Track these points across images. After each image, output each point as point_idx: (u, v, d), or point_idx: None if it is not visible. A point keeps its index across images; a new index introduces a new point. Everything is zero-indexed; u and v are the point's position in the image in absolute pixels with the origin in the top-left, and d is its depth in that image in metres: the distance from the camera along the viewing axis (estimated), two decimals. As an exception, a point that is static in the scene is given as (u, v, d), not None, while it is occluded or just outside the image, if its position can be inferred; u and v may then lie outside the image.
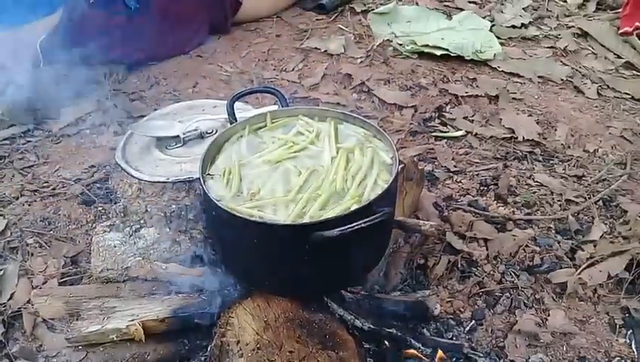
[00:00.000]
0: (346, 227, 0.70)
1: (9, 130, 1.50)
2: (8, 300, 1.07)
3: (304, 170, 0.85)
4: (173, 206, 1.06)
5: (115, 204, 1.19)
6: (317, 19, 2.03)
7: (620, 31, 1.92)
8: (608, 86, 1.73)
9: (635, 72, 1.80)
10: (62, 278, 1.12)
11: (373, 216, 0.71)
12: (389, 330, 0.89)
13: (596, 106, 1.66)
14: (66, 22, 1.55)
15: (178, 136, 1.11)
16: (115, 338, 0.90)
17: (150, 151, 1.11)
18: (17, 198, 1.30)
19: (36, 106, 1.53)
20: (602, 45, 1.92)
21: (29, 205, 1.28)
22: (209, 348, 0.82)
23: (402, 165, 1.09)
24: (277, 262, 0.80)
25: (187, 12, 1.79)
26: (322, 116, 0.96)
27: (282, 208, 0.79)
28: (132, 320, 0.88)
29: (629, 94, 1.70)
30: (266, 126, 0.96)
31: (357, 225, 0.70)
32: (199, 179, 0.82)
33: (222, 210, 0.77)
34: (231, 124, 0.96)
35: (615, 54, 1.87)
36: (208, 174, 0.86)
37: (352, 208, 0.76)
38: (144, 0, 1.65)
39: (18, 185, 1.33)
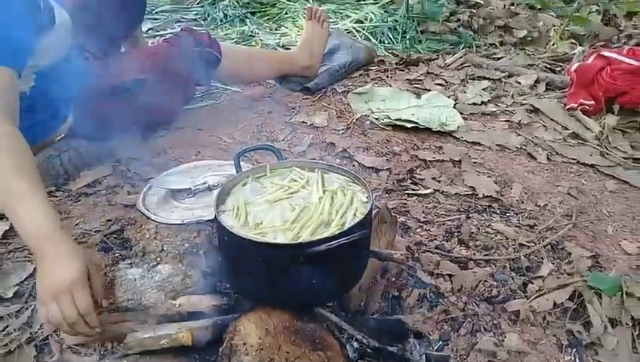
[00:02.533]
0: (332, 243, 0.91)
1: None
2: (38, 329, 1.23)
3: (297, 206, 1.06)
4: (186, 245, 1.26)
5: (130, 249, 1.38)
6: (304, 99, 2.29)
7: (567, 107, 2.22)
8: (557, 152, 1.99)
9: (580, 140, 2.07)
10: (85, 313, 1.28)
11: (352, 236, 0.93)
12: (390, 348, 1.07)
13: (546, 169, 1.91)
14: (79, 121, 1.72)
15: (190, 188, 1.34)
16: (165, 344, 1.05)
17: (166, 201, 1.33)
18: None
19: (58, 172, 1.73)
20: (551, 119, 2.19)
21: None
22: (220, 350, 1.00)
23: (378, 209, 1.31)
24: (277, 277, 0.99)
25: (177, 79, 1.95)
26: (311, 167, 1.19)
27: (281, 234, 1.00)
28: (180, 329, 1.05)
29: (575, 159, 1.95)
30: (265, 175, 1.18)
31: (340, 242, 0.91)
32: (214, 213, 1.03)
33: (233, 236, 0.97)
34: (237, 173, 1.18)
35: (563, 126, 2.14)
36: (221, 210, 1.07)
37: (337, 232, 0.97)
38: (141, 81, 1.82)
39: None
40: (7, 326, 1.22)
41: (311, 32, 2.45)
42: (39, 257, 1.09)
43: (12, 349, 1.17)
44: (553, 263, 1.45)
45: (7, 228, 1.50)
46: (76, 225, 1.56)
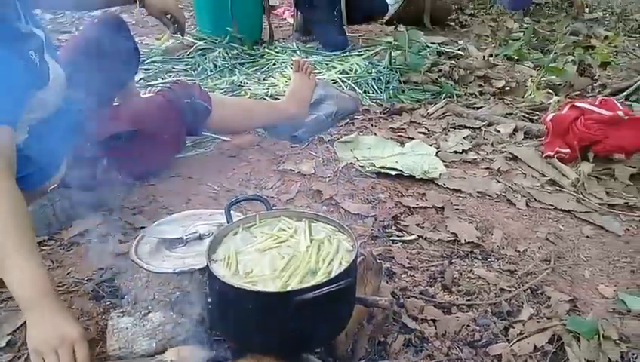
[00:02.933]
0: (319, 291, 0.96)
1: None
2: (30, 379, 1.25)
3: (286, 255, 1.11)
4: (178, 293, 1.29)
5: (122, 298, 1.41)
6: (291, 147, 2.36)
7: (544, 155, 2.31)
8: (535, 199, 2.07)
9: (557, 187, 2.14)
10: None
11: (339, 283, 0.98)
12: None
13: (525, 216, 1.98)
14: (72, 171, 1.77)
15: (181, 237, 1.37)
16: None
17: (158, 250, 1.36)
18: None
19: (50, 222, 1.77)
20: (530, 166, 2.28)
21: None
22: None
23: (363, 257, 1.36)
24: (267, 324, 1.03)
25: (169, 130, 2.01)
26: (299, 217, 1.24)
27: (270, 283, 1.04)
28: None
29: (552, 205, 2.03)
30: (255, 224, 1.24)
31: (327, 290, 0.96)
32: (206, 262, 1.07)
33: (225, 284, 1.02)
34: (228, 223, 1.23)
35: (540, 173, 2.23)
36: (213, 260, 1.12)
37: (323, 280, 1.02)
38: (134, 133, 1.88)
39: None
40: (0, 376, 1.24)
41: (298, 82, 2.54)
42: (33, 311, 1.15)
43: (4, 399, 1.18)
44: (533, 307, 1.50)
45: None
46: (68, 273, 1.59)
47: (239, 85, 3.03)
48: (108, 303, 1.47)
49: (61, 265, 1.63)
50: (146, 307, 1.31)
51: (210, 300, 1.11)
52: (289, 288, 1.02)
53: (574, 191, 2.10)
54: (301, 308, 0.99)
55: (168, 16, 2.09)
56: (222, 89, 2.98)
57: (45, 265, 1.38)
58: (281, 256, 1.11)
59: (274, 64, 3.35)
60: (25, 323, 1.36)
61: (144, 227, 1.69)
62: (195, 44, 3.53)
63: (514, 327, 1.43)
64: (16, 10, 1.49)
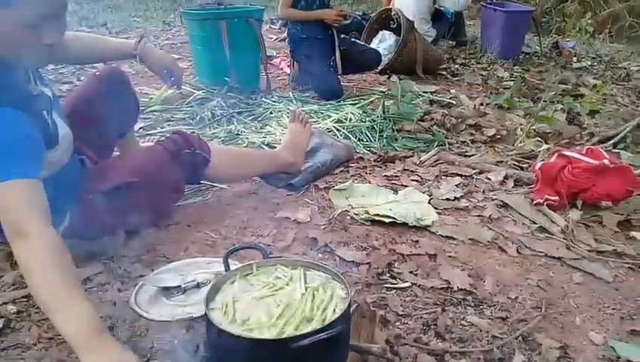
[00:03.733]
0: (314, 338, 1.00)
1: (26, 289, 1.74)
2: None
3: (282, 303, 1.15)
4: (176, 341, 1.33)
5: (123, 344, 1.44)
6: (287, 195, 2.41)
7: (534, 202, 2.37)
8: (526, 246, 2.11)
9: (547, 234, 2.19)
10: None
11: (332, 330, 1.01)
12: None
13: (517, 262, 2.02)
14: (74, 221, 1.81)
15: (180, 286, 1.42)
16: None
17: (157, 298, 1.40)
18: (35, 345, 1.50)
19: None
20: (520, 214, 2.33)
21: (46, 350, 1.48)
22: None
23: (357, 304, 1.40)
24: (263, 371, 1.07)
25: (169, 180, 2.06)
26: (294, 265, 1.29)
27: (266, 330, 1.08)
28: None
29: (542, 252, 2.07)
30: (252, 273, 1.28)
31: (321, 336, 1.00)
32: (204, 310, 1.11)
33: (222, 332, 1.05)
34: (225, 271, 1.27)
35: (531, 220, 2.28)
36: (210, 308, 1.15)
37: (318, 327, 1.06)
38: (134, 183, 1.91)
39: (35, 334, 1.54)
40: None
41: (294, 132, 2.62)
42: (92, 351, 1.22)
43: None
44: (524, 354, 1.53)
45: (1, 325, 1.55)
46: (67, 321, 1.62)
47: (236, 134, 3.10)
48: (106, 351, 1.49)
49: (60, 313, 1.64)
50: (145, 355, 1.33)
51: (208, 348, 1.14)
52: (284, 335, 1.06)
53: (564, 238, 2.14)
54: (297, 355, 1.02)
55: (165, 70, 2.18)
56: (219, 138, 3.05)
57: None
58: (277, 303, 1.15)
59: (270, 113, 3.44)
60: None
61: (143, 275, 1.72)
62: (194, 93, 3.63)
63: (506, 374, 1.45)
64: (26, 72, 1.57)
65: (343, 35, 4.23)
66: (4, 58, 1.46)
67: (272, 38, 6.16)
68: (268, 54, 4.53)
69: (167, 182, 2.02)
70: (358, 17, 5.74)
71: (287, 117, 3.30)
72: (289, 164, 2.50)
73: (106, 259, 1.86)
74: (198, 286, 1.40)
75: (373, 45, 4.92)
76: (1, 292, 1.72)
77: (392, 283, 1.84)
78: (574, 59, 5.78)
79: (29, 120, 1.42)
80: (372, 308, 1.52)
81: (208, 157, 2.16)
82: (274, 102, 3.63)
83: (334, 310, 1.13)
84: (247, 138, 3.05)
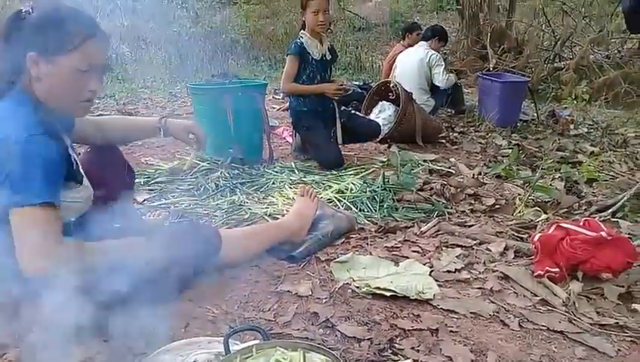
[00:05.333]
0: (312, 425, 1.00)
1: None
2: None
3: (281, 387, 1.16)
4: (175, 425, 1.32)
5: None
6: (288, 267, 2.43)
7: (535, 274, 2.38)
8: (528, 319, 2.10)
9: (549, 307, 2.19)
10: None
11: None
12: None
13: (519, 337, 2.01)
14: None
15: (180, 367, 1.42)
16: None
17: (157, 379, 1.40)
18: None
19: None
20: (521, 286, 2.33)
21: None
22: None
23: (357, 385, 1.39)
24: None
25: (178, 272, 2.01)
26: (294, 347, 1.30)
27: (266, 416, 1.09)
28: None
29: (545, 326, 2.06)
30: (252, 355, 1.29)
31: (320, 424, 1.00)
32: (205, 395, 1.11)
33: (222, 418, 1.06)
34: (226, 354, 1.28)
35: (532, 293, 2.28)
36: (211, 392, 1.16)
37: (317, 413, 1.06)
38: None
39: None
40: None
41: (302, 203, 2.72)
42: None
43: None
44: None
45: None
46: (67, 402, 1.61)
47: (239, 205, 3.15)
48: None
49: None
50: None
51: None
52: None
53: (565, 311, 2.14)
54: None
55: (191, 136, 2.34)
56: (223, 209, 3.09)
57: None
58: (276, 388, 1.16)
59: (273, 183, 3.51)
60: None
61: (144, 353, 1.72)
62: (199, 164, 3.71)
63: None
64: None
65: (343, 108, 4.36)
66: (50, 102, 1.69)
67: (275, 108, 6.33)
68: (271, 124, 4.65)
69: (177, 274, 2.00)
70: (358, 89, 5.93)
71: (290, 187, 3.37)
72: (294, 232, 2.55)
73: (106, 338, 1.86)
74: (198, 367, 1.41)
75: (373, 115, 5.06)
76: None
77: (394, 360, 1.82)
78: (571, 126, 5.89)
79: (57, 147, 1.61)
80: (373, 388, 1.51)
81: (219, 245, 2.20)
82: (276, 172, 3.70)
83: (333, 394, 1.13)
84: (249, 209, 3.10)
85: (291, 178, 3.58)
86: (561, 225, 2.42)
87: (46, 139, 1.60)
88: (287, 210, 3.08)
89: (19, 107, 1.66)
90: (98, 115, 3.90)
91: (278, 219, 2.99)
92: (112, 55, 9.31)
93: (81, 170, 1.86)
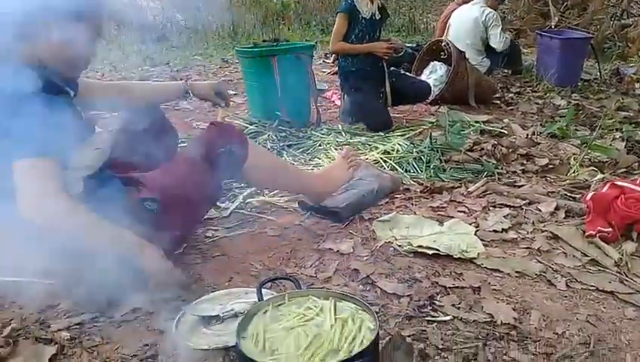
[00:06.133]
0: (338, 369, 1.02)
1: (81, 317, 1.84)
2: None
3: (311, 334, 1.17)
4: (212, 369, 1.37)
5: None
6: (331, 226, 2.44)
7: (586, 234, 2.30)
8: (576, 279, 2.04)
9: (599, 267, 2.11)
10: None
11: (358, 361, 1.03)
12: None
13: (565, 296, 1.95)
14: None
15: (218, 315, 1.46)
16: None
17: (197, 327, 1.45)
18: (84, 370, 1.59)
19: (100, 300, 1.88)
20: (571, 246, 2.25)
21: (95, 376, 1.57)
22: None
23: (390, 336, 1.40)
24: (290, 401, 1.09)
25: (201, 191, 2.06)
26: (326, 296, 1.31)
27: (294, 360, 1.11)
28: None
29: (594, 286, 1.99)
30: (284, 303, 1.31)
31: (345, 368, 1.02)
32: (236, 339, 1.14)
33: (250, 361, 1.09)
34: (259, 301, 1.31)
35: (582, 253, 2.20)
36: (242, 337, 1.19)
37: (344, 358, 1.07)
38: (163, 200, 1.92)
39: (86, 360, 1.63)
40: None
41: (338, 166, 2.68)
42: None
43: None
44: (569, 392, 1.48)
45: (55, 351, 1.64)
46: (116, 349, 1.68)
47: (286, 166, 3.16)
48: (151, 379, 1.54)
49: (110, 341, 1.72)
50: (184, 383, 1.38)
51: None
52: (311, 367, 1.08)
53: (617, 272, 2.06)
54: (322, 386, 1.03)
55: (215, 93, 2.41)
56: (269, 170, 3.12)
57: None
58: (306, 334, 1.17)
59: (319, 145, 3.51)
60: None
61: (187, 305, 1.78)
62: (247, 128, 3.74)
63: (547, 412, 1.40)
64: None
65: (392, 68, 4.27)
66: (57, 67, 1.75)
67: (325, 72, 6.29)
68: (320, 88, 4.63)
69: (199, 193, 2.04)
70: (410, 50, 5.77)
71: (336, 149, 3.36)
72: (316, 194, 2.54)
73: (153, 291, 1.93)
74: (235, 315, 1.44)
75: (424, 76, 4.94)
76: (57, 319, 1.82)
77: (433, 316, 1.81)
78: (636, 85, 5.57)
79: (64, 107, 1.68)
80: (409, 341, 1.51)
81: (246, 154, 2.18)
82: (323, 135, 3.69)
83: (362, 341, 1.14)
84: (295, 170, 3.11)
85: (338, 140, 3.57)
86: (616, 183, 2.32)
87: (49, 97, 1.66)
88: (332, 172, 3.08)
89: (21, 67, 1.70)
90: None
91: (314, 171, 3.01)
92: (166, 23, 9.48)
93: (95, 129, 1.90)
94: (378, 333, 1.14)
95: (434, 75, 4.89)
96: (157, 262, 1.75)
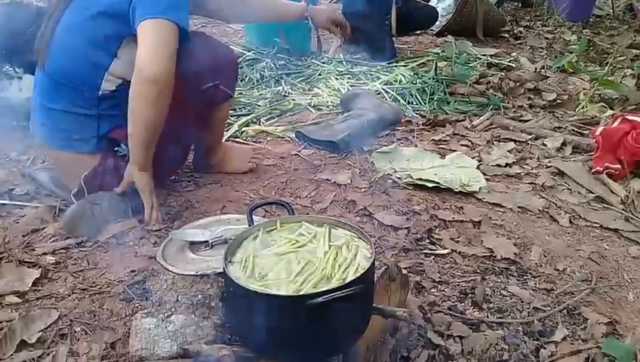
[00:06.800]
0: (330, 296, 0.95)
1: (66, 241, 1.78)
2: (58, 375, 1.28)
3: (302, 260, 1.10)
4: (199, 296, 1.31)
5: (149, 299, 1.44)
6: (329, 157, 2.35)
7: (593, 170, 2.22)
8: (580, 216, 1.98)
9: (604, 204, 2.05)
10: (102, 360, 1.32)
11: (351, 289, 0.96)
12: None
13: (568, 233, 1.89)
14: (103, 167, 1.84)
15: (207, 241, 1.39)
16: None
17: (184, 252, 1.39)
18: (69, 295, 1.53)
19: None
20: (576, 182, 2.18)
21: (79, 301, 1.50)
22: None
23: (386, 266, 1.33)
24: (279, 329, 1.02)
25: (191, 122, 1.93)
26: (320, 222, 1.23)
27: (284, 287, 1.04)
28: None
29: (598, 223, 1.93)
30: (276, 228, 1.23)
31: (338, 294, 0.95)
32: (223, 263, 1.08)
33: (238, 287, 1.02)
34: (249, 226, 1.24)
35: (587, 190, 2.13)
36: (230, 261, 1.12)
37: (337, 285, 1.01)
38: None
39: (71, 284, 1.57)
40: (28, 373, 1.28)
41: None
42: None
43: (29, 396, 1.21)
44: (568, 328, 1.43)
45: (38, 275, 1.59)
46: (102, 274, 1.63)
47: (283, 95, 3.06)
48: (137, 305, 1.49)
49: (96, 267, 1.66)
50: (170, 309, 1.32)
51: (226, 303, 1.11)
52: (302, 292, 1.01)
53: (623, 210, 2.00)
54: (313, 313, 0.97)
55: (335, 25, 2.35)
56: (267, 98, 3.01)
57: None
58: (297, 260, 1.10)
59: (319, 75, 3.36)
60: (55, 321, 1.42)
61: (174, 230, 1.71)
62: (244, 54, 3.59)
63: (545, 348, 1.36)
64: None
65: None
66: None
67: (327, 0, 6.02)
68: (322, 15, 4.41)
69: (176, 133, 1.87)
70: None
71: (337, 79, 3.22)
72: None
73: (142, 215, 1.86)
74: (225, 241, 1.37)
75: (431, 4, 4.71)
76: (42, 243, 1.76)
77: (431, 250, 1.76)
78: (650, 21, 5.35)
79: None
80: (405, 273, 1.45)
81: (231, 93, 2.01)
82: (323, 63, 3.54)
83: (356, 269, 1.07)
84: (294, 99, 3.00)
85: (338, 69, 3.42)
86: (627, 117, 2.22)
87: None
88: (332, 102, 2.97)
89: None
90: None
91: (322, 110, 2.90)
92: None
93: None
94: (374, 262, 1.08)
95: (441, 3, 4.67)
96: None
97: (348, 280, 1.03)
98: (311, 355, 1.09)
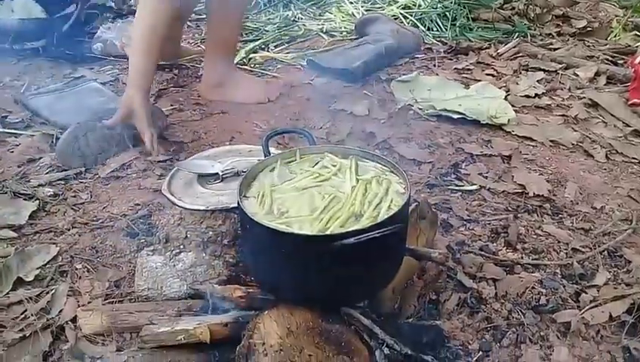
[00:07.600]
0: (362, 237, 0.82)
1: (63, 173, 1.65)
2: (57, 315, 1.19)
3: (327, 195, 0.97)
4: (210, 233, 1.19)
5: (155, 235, 1.32)
6: (345, 87, 2.19)
7: (629, 102, 2.05)
8: (617, 151, 1.83)
9: (643, 139, 1.91)
10: (105, 299, 1.23)
11: (385, 229, 0.83)
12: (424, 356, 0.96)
13: (605, 169, 1.76)
14: None
15: (217, 173, 1.26)
16: (182, 340, 0.98)
17: (192, 185, 1.26)
18: (69, 230, 1.42)
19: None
20: (612, 115, 2.03)
21: (80, 236, 1.40)
22: (237, 348, 0.92)
23: (416, 203, 1.21)
24: (301, 271, 0.91)
25: None
26: (345, 154, 1.09)
27: (307, 225, 0.91)
28: (199, 323, 0.98)
29: (636, 158, 1.79)
30: (295, 160, 1.10)
31: (371, 235, 0.82)
32: (237, 198, 0.95)
33: (256, 224, 0.89)
34: (265, 157, 1.10)
35: (624, 123, 1.98)
36: (245, 196, 0.99)
37: (368, 225, 0.88)
38: None
39: (70, 218, 1.46)
40: (25, 311, 1.18)
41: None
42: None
43: (27, 335, 1.12)
44: (610, 271, 1.32)
45: (35, 208, 1.47)
46: (104, 208, 1.52)
47: (293, 20, 2.86)
48: (142, 241, 1.38)
49: (97, 200, 1.55)
50: (178, 246, 1.21)
51: (241, 241, 0.99)
52: (328, 232, 0.89)
53: (663, 144, 1.84)
54: (341, 256, 0.86)
55: None
56: (275, 24, 2.81)
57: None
58: (321, 195, 0.98)
59: (332, -1, 3.14)
60: (54, 257, 1.32)
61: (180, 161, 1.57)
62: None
63: (586, 293, 1.25)
64: None
65: None
66: None
67: None
68: None
69: None
70: None
71: (350, 3, 3.01)
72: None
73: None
74: (237, 174, 1.24)
75: None
76: (38, 174, 1.64)
77: (458, 185, 1.63)
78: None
79: None
80: (435, 211, 1.33)
81: None
82: (335, -14, 3.30)
83: (389, 206, 0.94)
84: (304, 25, 2.81)
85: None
86: (671, 44, 2.03)
87: None
88: (345, 27, 2.77)
89: None
90: None
91: (335, 36, 2.71)
92: None
93: None
94: (410, 198, 0.94)
95: None
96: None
97: (380, 218, 0.90)
98: (335, 301, 0.97)
